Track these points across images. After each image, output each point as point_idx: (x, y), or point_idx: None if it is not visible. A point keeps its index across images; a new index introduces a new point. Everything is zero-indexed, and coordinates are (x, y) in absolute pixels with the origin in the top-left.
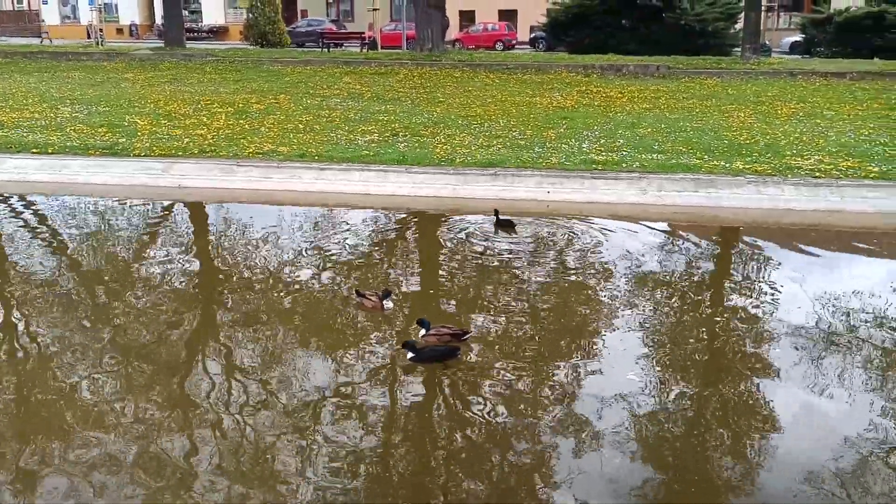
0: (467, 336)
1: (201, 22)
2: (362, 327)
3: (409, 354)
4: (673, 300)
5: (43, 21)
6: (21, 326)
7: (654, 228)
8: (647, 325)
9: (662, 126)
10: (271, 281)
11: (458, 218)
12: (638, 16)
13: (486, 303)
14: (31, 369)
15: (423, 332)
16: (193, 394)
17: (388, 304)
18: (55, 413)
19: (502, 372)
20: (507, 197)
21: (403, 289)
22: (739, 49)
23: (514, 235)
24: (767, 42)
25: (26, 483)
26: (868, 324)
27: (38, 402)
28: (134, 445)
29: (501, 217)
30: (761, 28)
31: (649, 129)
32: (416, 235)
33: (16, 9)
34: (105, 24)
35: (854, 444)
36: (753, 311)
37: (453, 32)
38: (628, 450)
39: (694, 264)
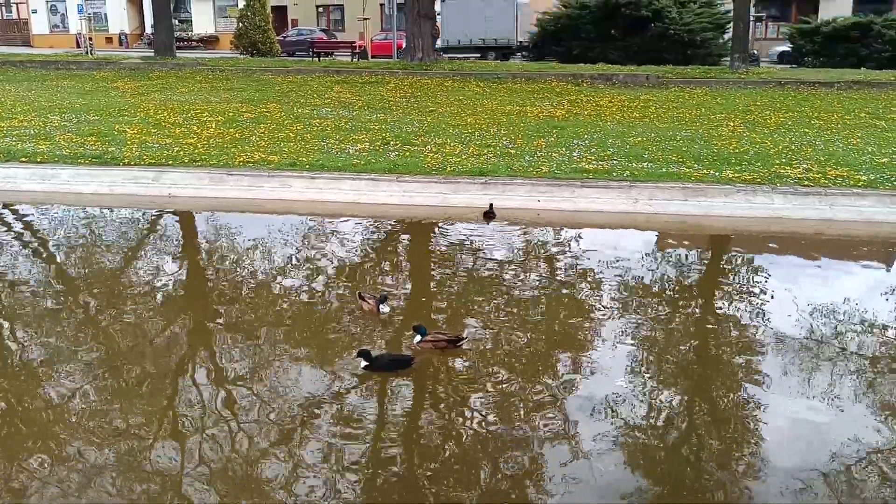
0: (462, 342)
1: (191, 31)
2: (354, 334)
3: (363, 363)
4: (663, 309)
5: None
6: (10, 336)
7: (644, 237)
8: (636, 334)
9: (652, 135)
10: (263, 289)
11: (449, 226)
12: (627, 25)
13: (477, 309)
14: (23, 381)
15: (418, 338)
16: (187, 402)
17: (385, 308)
18: (53, 425)
19: (492, 376)
20: (497, 205)
21: (395, 295)
22: (728, 59)
23: (489, 224)
24: (756, 52)
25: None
26: (858, 332)
27: (31, 415)
28: (130, 454)
29: (488, 210)
30: (749, 38)
31: (639, 139)
32: (408, 244)
33: (4, 17)
34: (94, 33)
35: (847, 450)
36: (743, 319)
37: None
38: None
39: (684, 273)
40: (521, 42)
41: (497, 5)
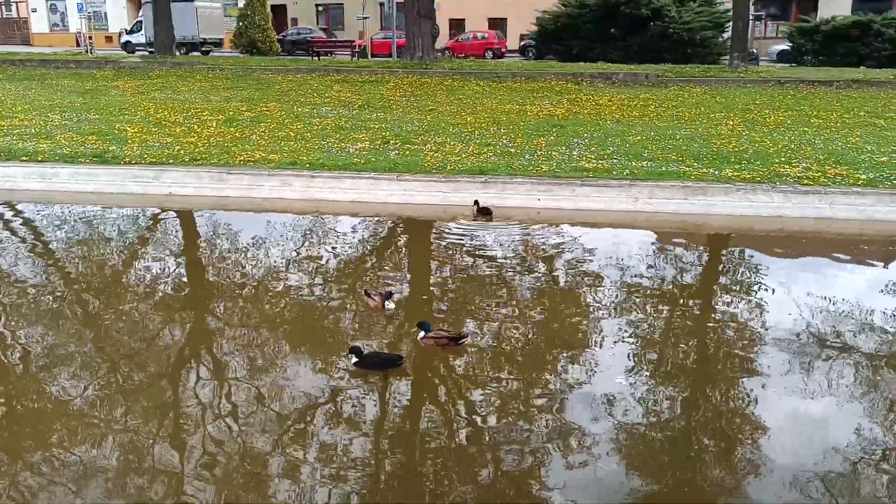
0: (464, 340)
1: None
2: (356, 331)
3: (353, 359)
4: (663, 307)
5: None
6: (11, 337)
7: (644, 235)
8: (637, 332)
9: (652, 134)
10: (264, 287)
11: (449, 225)
12: (626, 25)
13: (478, 307)
14: (22, 378)
15: (422, 334)
16: (184, 398)
17: (390, 305)
18: (51, 422)
19: (489, 374)
20: (497, 204)
21: (398, 293)
22: (728, 57)
23: (490, 221)
24: (755, 51)
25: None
26: (858, 330)
27: (31, 411)
28: (127, 451)
29: (481, 206)
30: (749, 37)
31: (639, 137)
32: (409, 242)
33: (4, 16)
34: (94, 32)
35: (843, 449)
36: (744, 317)
37: (443, 41)
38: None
39: (685, 271)
40: (203, 39)
41: (181, 9)
